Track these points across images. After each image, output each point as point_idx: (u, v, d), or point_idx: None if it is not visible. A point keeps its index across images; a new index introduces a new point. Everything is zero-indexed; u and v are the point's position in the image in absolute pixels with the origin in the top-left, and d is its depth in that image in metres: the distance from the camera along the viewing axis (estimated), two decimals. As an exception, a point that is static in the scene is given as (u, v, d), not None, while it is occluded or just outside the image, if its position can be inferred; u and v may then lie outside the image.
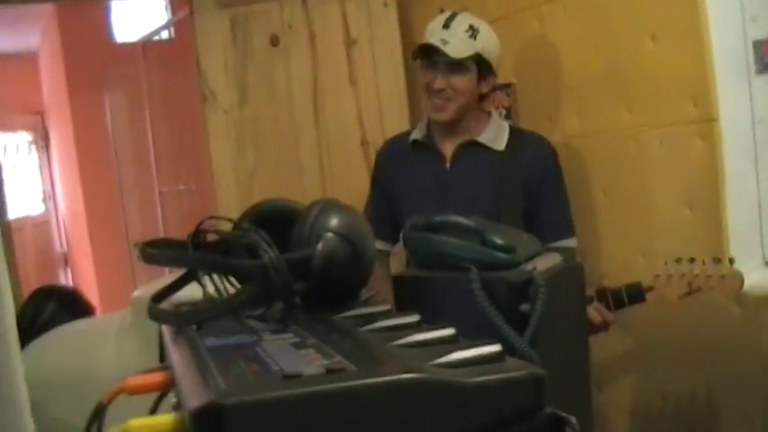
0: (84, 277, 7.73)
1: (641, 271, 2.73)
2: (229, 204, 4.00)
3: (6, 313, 0.84)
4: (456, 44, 2.67)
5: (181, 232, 5.44)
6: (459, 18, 2.72)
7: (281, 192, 3.73)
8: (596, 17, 2.90)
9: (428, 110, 2.80)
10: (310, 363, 0.93)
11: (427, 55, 2.72)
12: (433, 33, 2.72)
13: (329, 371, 0.87)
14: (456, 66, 2.68)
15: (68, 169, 7.74)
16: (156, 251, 1.29)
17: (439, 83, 2.71)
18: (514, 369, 0.89)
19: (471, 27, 2.70)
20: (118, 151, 6.61)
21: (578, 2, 2.97)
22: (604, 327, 2.45)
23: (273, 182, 3.98)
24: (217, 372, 0.90)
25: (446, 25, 2.71)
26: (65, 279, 8.90)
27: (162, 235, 5.68)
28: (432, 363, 0.89)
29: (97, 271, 7.10)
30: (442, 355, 0.90)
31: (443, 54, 2.66)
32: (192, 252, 1.26)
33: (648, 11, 2.68)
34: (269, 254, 1.15)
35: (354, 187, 3.76)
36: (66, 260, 9.02)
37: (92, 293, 6.25)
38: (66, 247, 9.03)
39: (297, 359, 0.96)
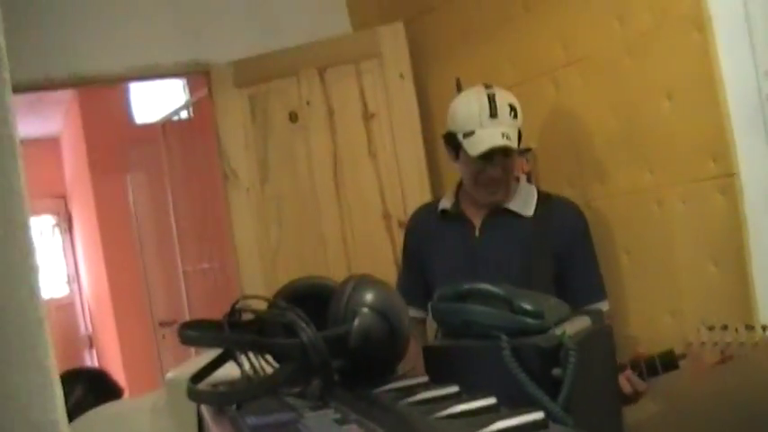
0: (109, 358, 7.73)
1: (670, 330, 2.72)
2: (254, 281, 4.02)
3: (58, 403, 0.86)
4: (512, 133, 2.66)
5: (206, 310, 5.48)
6: (498, 101, 2.67)
7: (305, 267, 3.76)
8: (612, 79, 2.92)
9: (483, 196, 2.78)
10: (355, 439, 0.94)
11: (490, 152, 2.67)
12: (481, 125, 2.66)
13: (376, 447, 0.87)
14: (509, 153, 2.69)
15: (92, 251, 7.78)
16: (195, 333, 1.31)
17: (497, 173, 2.71)
18: (558, 437, 0.90)
19: (512, 107, 2.68)
20: (141, 231, 6.65)
21: (593, 65, 2.99)
22: (635, 397, 2.43)
23: (297, 257, 4.00)
24: (263, 451, 0.91)
25: (493, 114, 2.66)
26: (90, 361, 8.90)
27: (187, 314, 5.69)
28: (476, 434, 0.90)
29: (123, 351, 7.10)
30: (485, 425, 0.91)
31: (511, 150, 2.67)
32: (230, 332, 1.27)
33: (663, 71, 2.70)
34: (306, 332, 1.16)
35: (378, 259, 3.77)
36: (92, 342, 9.03)
37: (118, 374, 6.24)
38: (90, 328, 9.04)
39: (341, 436, 0.97)
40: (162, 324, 6.46)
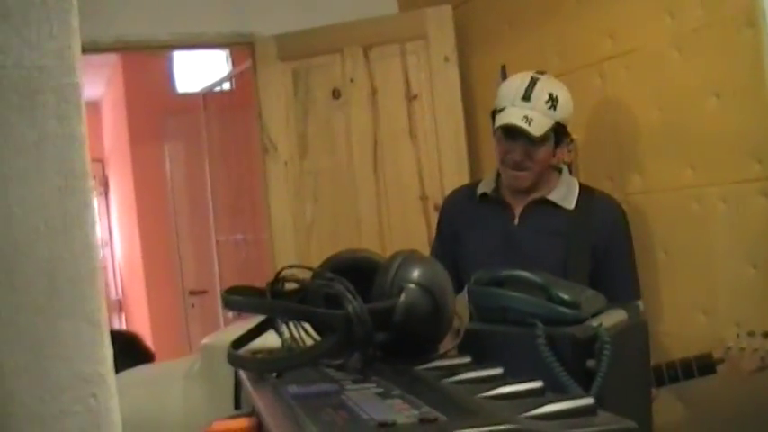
0: (138, 324, 7.80)
1: (703, 330, 2.70)
2: (287, 255, 4.03)
3: (107, 356, 0.86)
4: (538, 119, 2.63)
5: (236, 281, 5.49)
6: (539, 87, 2.66)
7: (339, 244, 3.74)
8: (658, 74, 2.89)
9: (507, 179, 2.78)
10: (399, 412, 0.93)
11: (509, 129, 2.68)
12: (514, 105, 2.67)
13: (422, 420, 0.87)
14: (536, 140, 2.66)
15: (127, 216, 7.84)
16: (239, 298, 1.31)
17: (519, 156, 2.69)
18: (607, 423, 0.89)
19: (551, 97, 2.65)
20: (176, 200, 6.71)
21: (640, 59, 2.97)
22: None
23: (331, 234, 4.01)
24: (307, 419, 0.91)
25: (526, 96, 2.66)
26: (119, 325, 8.98)
27: (218, 284, 5.73)
28: (523, 415, 0.89)
29: (151, 318, 7.15)
30: (532, 408, 0.90)
31: (527, 134, 2.64)
32: (274, 300, 1.28)
33: (712, 69, 2.68)
34: (353, 304, 1.16)
35: (413, 241, 3.76)
36: (121, 306, 9.11)
37: (146, 339, 6.30)
38: (120, 293, 9.12)
39: (385, 408, 0.97)
40: (191, 293, 6.51)
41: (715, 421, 2.76)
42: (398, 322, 1.24)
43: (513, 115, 2.66)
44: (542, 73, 2.75)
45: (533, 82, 2.69)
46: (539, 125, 2.64)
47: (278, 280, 1.32)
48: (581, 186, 2.83)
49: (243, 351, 1.32)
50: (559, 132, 2.71)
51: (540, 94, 2.66)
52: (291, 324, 1.29)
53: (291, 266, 1.36)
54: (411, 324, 1.26)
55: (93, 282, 0.86)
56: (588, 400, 0.93)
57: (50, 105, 0.81)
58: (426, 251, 3.14)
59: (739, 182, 2.61)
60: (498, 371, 1.16)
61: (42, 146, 0.81)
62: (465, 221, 2.91)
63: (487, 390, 1.02)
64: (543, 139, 2.67)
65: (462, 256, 2.87)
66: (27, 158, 0.81)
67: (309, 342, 1.27)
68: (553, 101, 2.66)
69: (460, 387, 1.07)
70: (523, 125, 2.63)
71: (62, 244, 0.84)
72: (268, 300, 1.27)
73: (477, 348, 1.86)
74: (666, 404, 2.53)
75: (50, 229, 0.82)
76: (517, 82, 2.72)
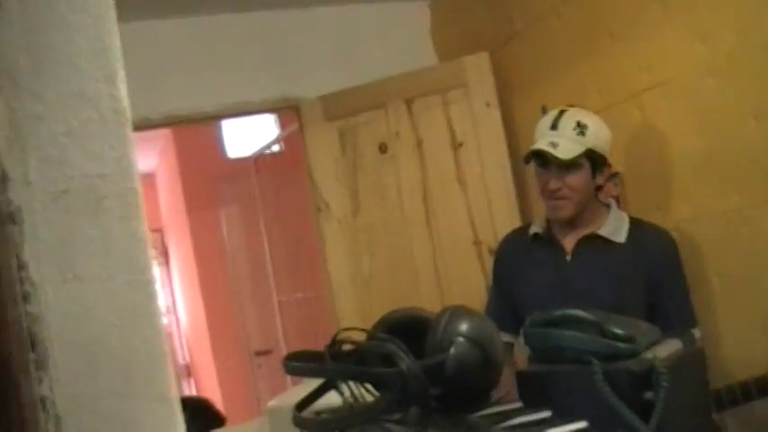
0: (207, 387, 7.87)
1: (764, 351, 2.70)
2: (348, 311, 4.08)
3: (179, 428, 0.94)
4: (565, 144, 2.69)
5: (301, 339, 5.56)
6: (566, 116, 2.75)
7: (398, 296, 3.82)
8: (696, 100, 2.92)
9: (547, 210, 2.84)
10: (454, 461, 0.99)
11: (540, 158, 2.76)
12: (543, 136, 2.76)
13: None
14: (568, 165, 2.71)
15: (188, 282, 7.95)
16: (300, 364, 1.38)
17: (554, 184, 2.74)
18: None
19: (579, 124, 2.71)
20: (235, 263, 6.79)
21: (677, 87, 3.00)
22: None
23: (390, 286, 4.05)
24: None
25: (554, 126, 2.74)
26: (188, 390, 9.07)
27: (282, 343, 5.80)
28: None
29: (220, 381, 7.22)
30: (575, 449, 0.96)
31: (554, 157, 2.70)
32: (332, 363, 1.34)
33: (747, 91, 2.70)
34: (405, 361, 1.23)
35: (470, 287, 3.81)
36: (189, 371, 9.20)
37: (216, 402, 6.38)
38: (188, 358, 9.22)
39: (441, 458, 1.03)
40: (257, 354, 6.57)
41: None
42: (450, 375, 1.30)
43: (540, 143, 2.74)
44: (571, 105, 2.83)
45: (561, 113, 2.78)
46: (566, 149, 2.70)
47: (335, 342, 1.39)
48: (631, 219, 2.86)
49: (307, 412, 1.39)
50: (595, 160, 2.76)
51: (568, 122, 2.74)
52: (351, 383, 1.36)
53: (347, 329, 1.43)
54: (462, 375, 1.32)
55: (164, 364, 0.94)
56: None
57: (114, 209, 0.90)
58: (483, 296, 3.19)
59: (785, 200, 2.63)
60: (546, 414, 1.21)
61: (109, 246, 0.90)
62: (519, 263, 2.95)
63: (536, 434, 1.07)
64: (575, 165, 2.73)
65: (519, 297, 2.92)
66: (97, 258, 0.90)
67: (370, 399, 1.33)
68: (581, 127, 2.72)
69: (511, 433, 1.13)
70: (548, 149, 2.70)
71: (135, 333, 0.92)
72: (327, 363, 1.34)
73: (537, 390, 1.91)
74: (735, 428, 2.53)
75: (122, 320, 0.90)
76: (548, 116, 2.82)
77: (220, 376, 7.22)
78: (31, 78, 0.91)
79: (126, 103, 0.94)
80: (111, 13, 0.95)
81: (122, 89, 0.94)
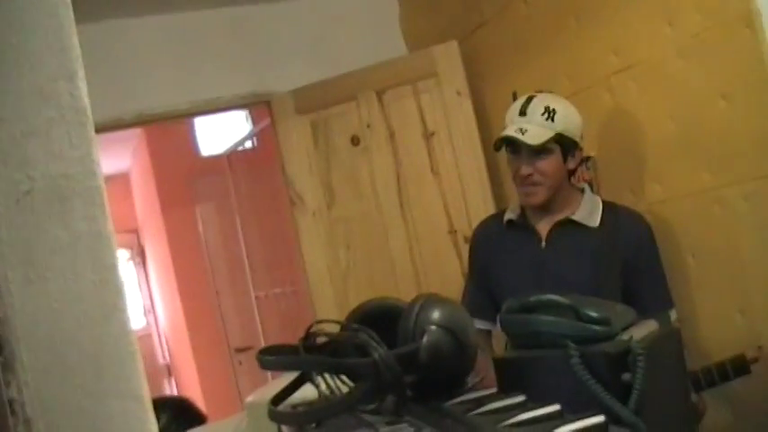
0: (188, 386, 7.87)
1: (741, 331, 2.71)
2: (326, 304, 4.08)
3: (153, 430, 0.93)
4: (534, 130, 2.70)
5: (280, 334, 5.55)
6: (534, 102, 2.75)
7: (375, 287, 3.82)
8: (665, 83, 2.93)
9: (520, 196, 2.84)
10: (429, 449, 1.00)
11: (511, 144, 2.77)
12: (512, 122, 2.76)
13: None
14: (539, 151, 2.72)
15: (166, 282, 7.94)
16: (273, 358, 1.38)
17: (525, 170, 2.74)
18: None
19: (547, 109, 2.72)
20: (212, 260, 6.78)
21: (646, 70, 3.01)
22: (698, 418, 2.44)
23: (367, 278, 4.05)
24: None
25: (522, 112, 2.75)
26: (169, 389, 9.06)
27: (262, 339, 5.79)
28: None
29: (201, 379, 7.22)
30: (549, 431, 0.96)
31: (523, 143, 2.70)
32: (306, 356, 1.34)
33: (715, 71, 2.71)
34: (378, 351, 1.23)
35: (446, 275, 3.82)
36: (170, 370, 9.19)
37: (197, 401, 6.36)
38: (168, 357, 9.20)
39: (416, 446, 1.03)
40: (238, 350, 6.57)
41: (757, 423, 2.77)
42: (424, 363, 1.31)
43: (508, 130, 2.75)
44: (539, 91, 2.84)
45: (530, 99, 2.78)
46: (535, 135, 2.70)
47: (309, 335, 1.39)
48: (604, 203, 2.87)
49: (283, 406, 1.39)
50: (566, 144, 2.76)
51: (536, 108, 2.74)
52: (326, 375, 1.36)
53: (321, 321, 1.43)
54: (436, 363, 1.32)
55: (133, 362, 0.93)
56: (599, 419, 0.98)
57: (78, 209, 0.90)
58: (460, 284, 3.19)
59: (757, 178, 2.63)
60: (520, 399, 1.22)
61: (75, 246, 0.90)
62: (494, 250, 2.96)
63: (509, 418, 1.08)
64: (546, 150, 2.73)
65: (496, 284, 2.92)
66: (62, 258, 0.89)
67: (345, 390, 1.33)
68: (550, 112, 2.73)
69: (485, 418, 1.13)
70: (517, 135, 2.71)
71: (103, 331, 0.91)
72: (301, 356, 1.34)
73: (514, 375, 1.92)
74: (715, 407, 2.54)
75: (90, 319, 0.90)
76: (516, 102, 2.82)
77: (201, 374, 7.22)
78: (-10, 79, 0.90)
79: (87, 101, 0.93)
80: (69, 13, 0.95)
81: (83, 87, 0.93)
